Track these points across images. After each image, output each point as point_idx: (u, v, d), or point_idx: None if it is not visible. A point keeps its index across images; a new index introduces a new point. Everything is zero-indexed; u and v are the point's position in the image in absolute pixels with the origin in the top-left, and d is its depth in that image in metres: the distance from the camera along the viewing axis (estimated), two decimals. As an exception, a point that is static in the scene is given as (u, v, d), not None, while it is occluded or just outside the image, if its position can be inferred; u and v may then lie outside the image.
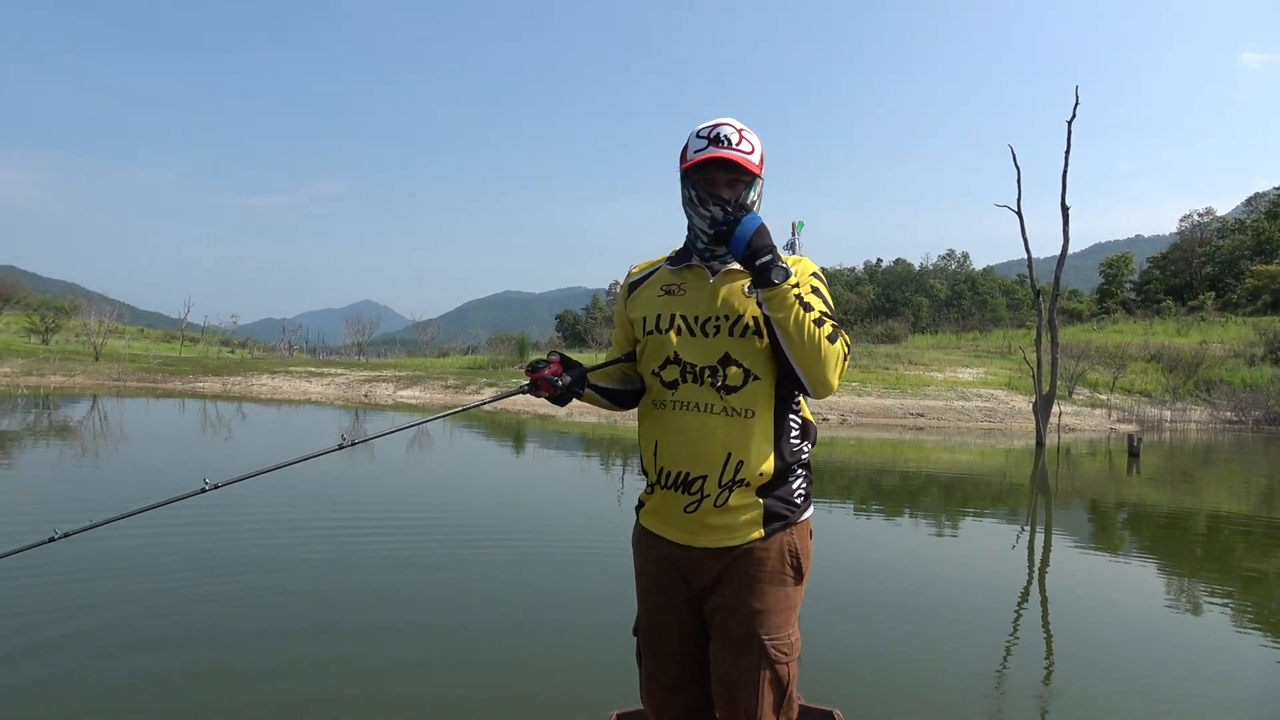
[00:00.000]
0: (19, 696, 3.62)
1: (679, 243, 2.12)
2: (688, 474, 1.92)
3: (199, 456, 12.43)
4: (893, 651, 4.61)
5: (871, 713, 3.66)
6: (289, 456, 2.21)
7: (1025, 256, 20.70)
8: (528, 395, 2.07)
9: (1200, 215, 67.39)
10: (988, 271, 79.19)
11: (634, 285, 2.15)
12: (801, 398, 2.04)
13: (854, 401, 26.12)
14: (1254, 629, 5.42)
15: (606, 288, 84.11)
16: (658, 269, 2.13)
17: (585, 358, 2.53)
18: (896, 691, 4.01)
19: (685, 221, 2.05)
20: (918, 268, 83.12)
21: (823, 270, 2.08)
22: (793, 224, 2.85)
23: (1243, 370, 33.69)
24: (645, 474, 2.07)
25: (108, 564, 5.75)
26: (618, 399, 2.17)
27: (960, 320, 59.75)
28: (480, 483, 11.14)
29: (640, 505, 2.12)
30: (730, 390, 1.92)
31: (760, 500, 1.94)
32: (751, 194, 1.97)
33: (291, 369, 33.64)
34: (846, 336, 1.90)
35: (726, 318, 1.94)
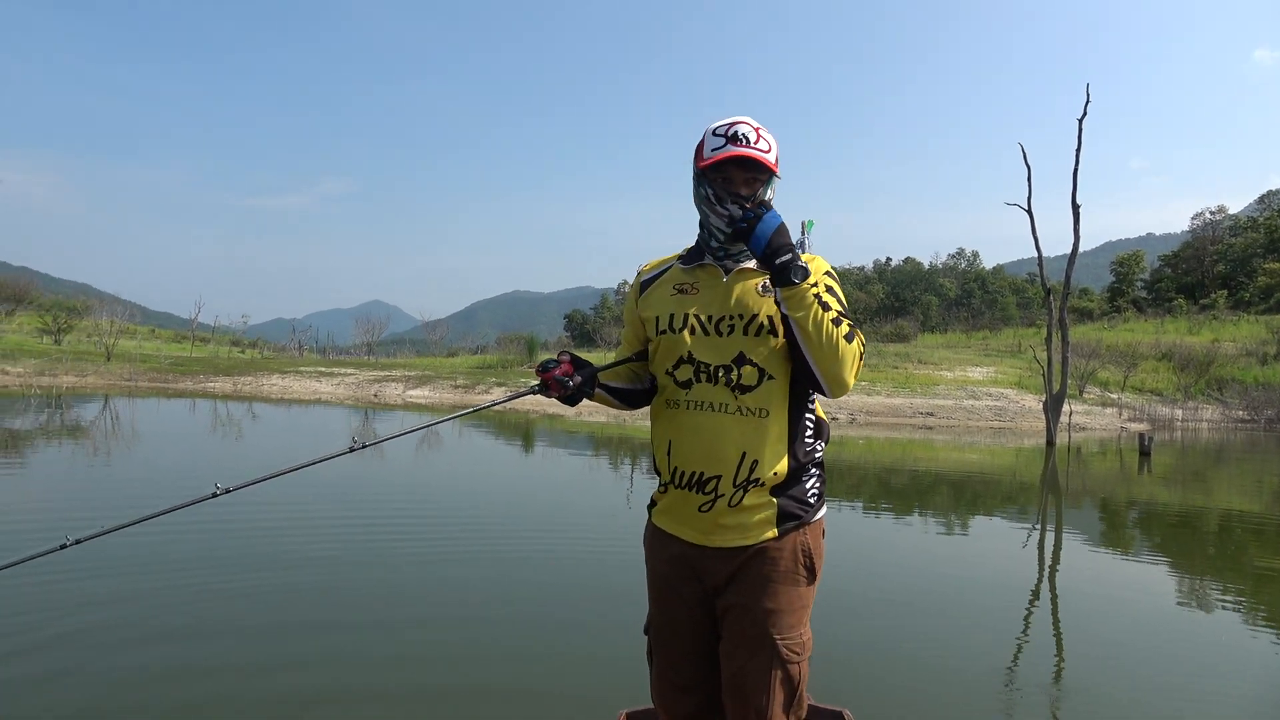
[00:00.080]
0: (29, 691, 3.65)
1: (682, 241, 2.12)
2: (702, 474, 1.92)
3: (210, 457, 12.49)
4: (902, 651, 4.60)
5: (881, 712, 3.66)
6: (300, 456, 2.22)
7: (1036, 255, 20.62)
8: (538, 395, 2.06)
9: (1212, 213, 67.03)
10: (998, 270, 78.90)
11: (645, 284, 2.14)
12: (816, 396, 2.03)
13: (863, 401, 26.07)
14: (1266, 627, 5.39)
15: (615, 287, 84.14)
16: (669, 268, 2.12)
17: (594, 357, 2.52)
18: (906, 691, 4.01)
19: (689, 220, 2.05)
20: (927, 266, 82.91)
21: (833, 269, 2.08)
22: (803, 223, 2.84)
23: (1255, 369, 33.49)
24: (657, 473, 2.07)
25: (118, 561, 5.79)
26: (628, 398, 2.16)
27: (970, 319, 59.58)
28: (489, 482, 11.16)
29: (653, 504, 2.12)
30: (744, 390, 1.91)
31: (774, 500, 1.94)
32: (768, 192, 1.97)
33: (302, 369, 33.77)
34: (861, 336, 1.90)
35: (741, 316, 1.94)
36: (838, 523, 8.36)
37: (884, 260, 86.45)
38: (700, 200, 1.99)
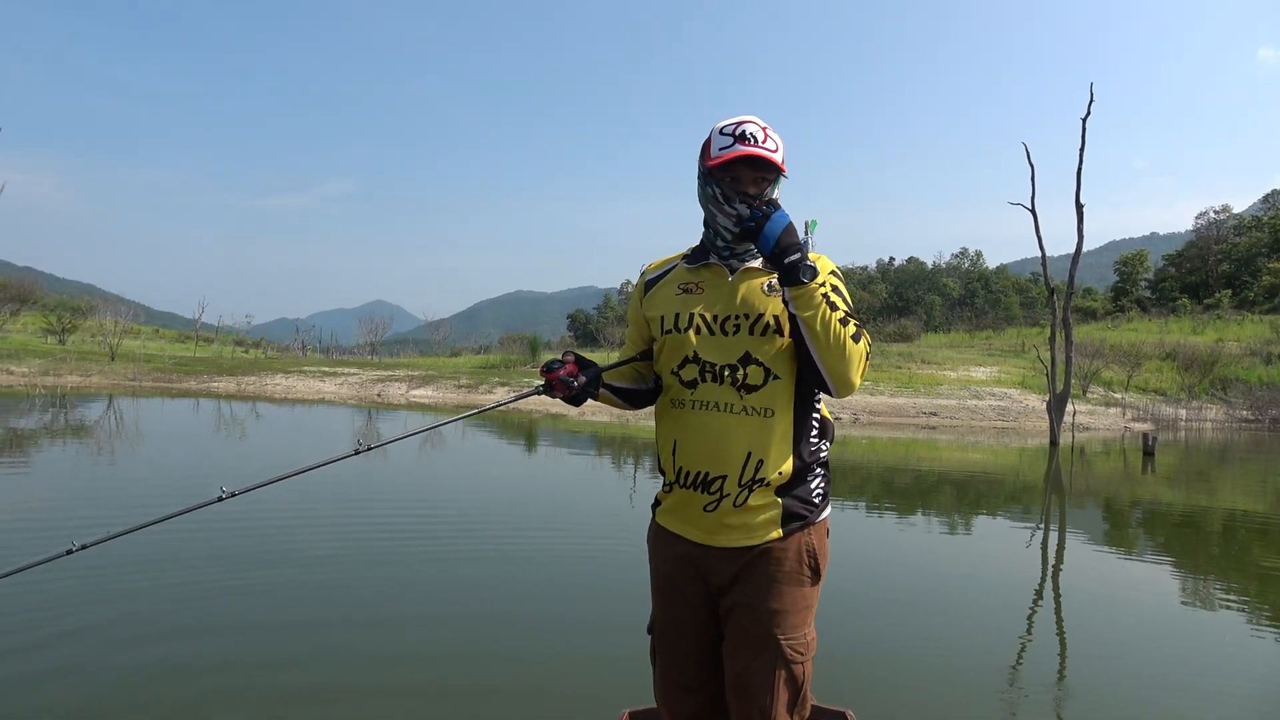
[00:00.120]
0: (33, 687, 3.67)
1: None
2: (707, 474, 1.92)
3: (215, 457, 12.52)
4: (906, 651, 4.60)
5: (885, 713, 3.66)
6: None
7: (1039, 254, 20.59)
8: (543, 396, 2.06)
9: (1216, 212, 66.88)
10: (1001, 270, 78.76)
11: (650, 284, 2.13)
12: (821, 396, 2.03)
13: (866, 400, 26.05)
14: (1271, 627, 5.39)
15: (618, 287, 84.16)
16: (674, 267, 2.12)
17: (598, 357, 2.52)
18: (910, 691, 4.01)
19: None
20: (930, 266, 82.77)
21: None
22: (806, 222, 2.84)
23: (1259, 368, 33.42)
24: (662, 473, 2.07)
25: (121, 559, 5.80)
26: (632, 398, 2.16)
27: (973, 319, 59.50)
28: (492, 481, 11.17)
29: (657, 504, 2.12)
30: (750, 389, 1.91)
31: (779, 500, 1.93)
32: (774, 191, 1.97)
33: (305, 369, 33.82)
34: (868, 336, 1.91)
35: (746, 316, 1.94)
36: (841, 523, 8.36)
37: (887, 260, 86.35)
38: (708, 199, 1.99)
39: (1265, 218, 62.51)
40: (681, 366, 1.98)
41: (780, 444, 1.92)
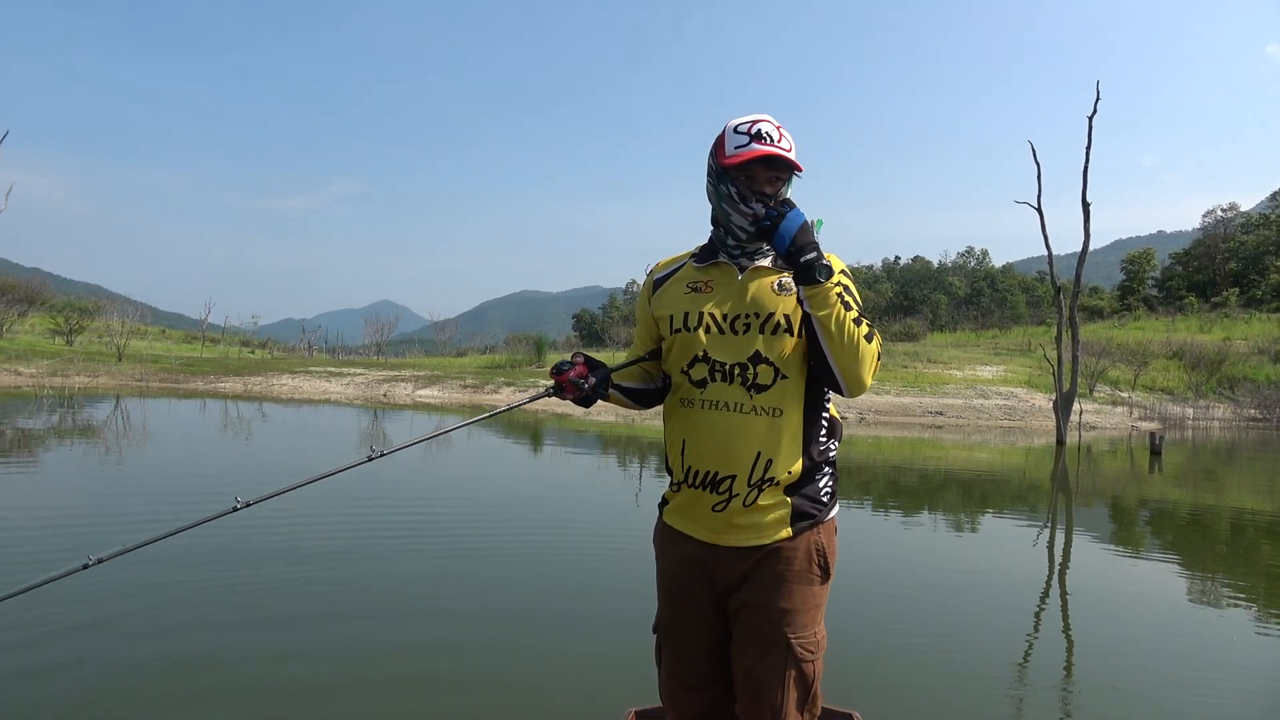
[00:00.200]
0: (39, 681, 3.70)
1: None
2: (716, 473, 1.92)
3: (225, 459, 12.55)
4: (912, 650, 4.60)
5: (891, 713, 3.67)
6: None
7: (1045, 253, 20.54)
8: (553, 397, 2.06)
9: (1224, 210, 66.61)
10: (1007, 268, 78.51)
11: (658, 283, 2.13)
12: (830, 395, 2.03)
13: (872, 400, 26.01)
14: (1278, 626, 5.37)
15: (623, 286, 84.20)
16: (682, 266, 2.11)
17: (604, 356, 2.52)
18: (916, 691, 4.01)
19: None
20: (936, 265, 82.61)
21: None
22: (811, 222, 2.84)
23: (1267, 367, 33.27)
24: (669, 472, 2.07)
25: (128, 555, 5.83)
26: (641, 398, 2.17)
27: (979, 318, 59.36)
28: (497, 480, 11.18)
29: (664, 503, 2.11)
30: (760, 389, 1.91)
31: (788, 499, 1.94)
32: (788, 191, 1.97)
33: (311, 369, 33.88)
34: (879, 336, 1.91)
35: (756, 315, 1.94)
36: (847, 522, 8.35)
37: (893, 259, 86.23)
38: (722, 198, 1.98)
39: (1273, 216, 62.22)
40: (691, 365, 1.98)
41: (790, 443, 1.92)
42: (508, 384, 29.56)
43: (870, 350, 1.87)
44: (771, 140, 1.91)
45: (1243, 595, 6.26)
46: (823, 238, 2.06)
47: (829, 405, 2.04)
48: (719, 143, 1.98)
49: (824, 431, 2.01)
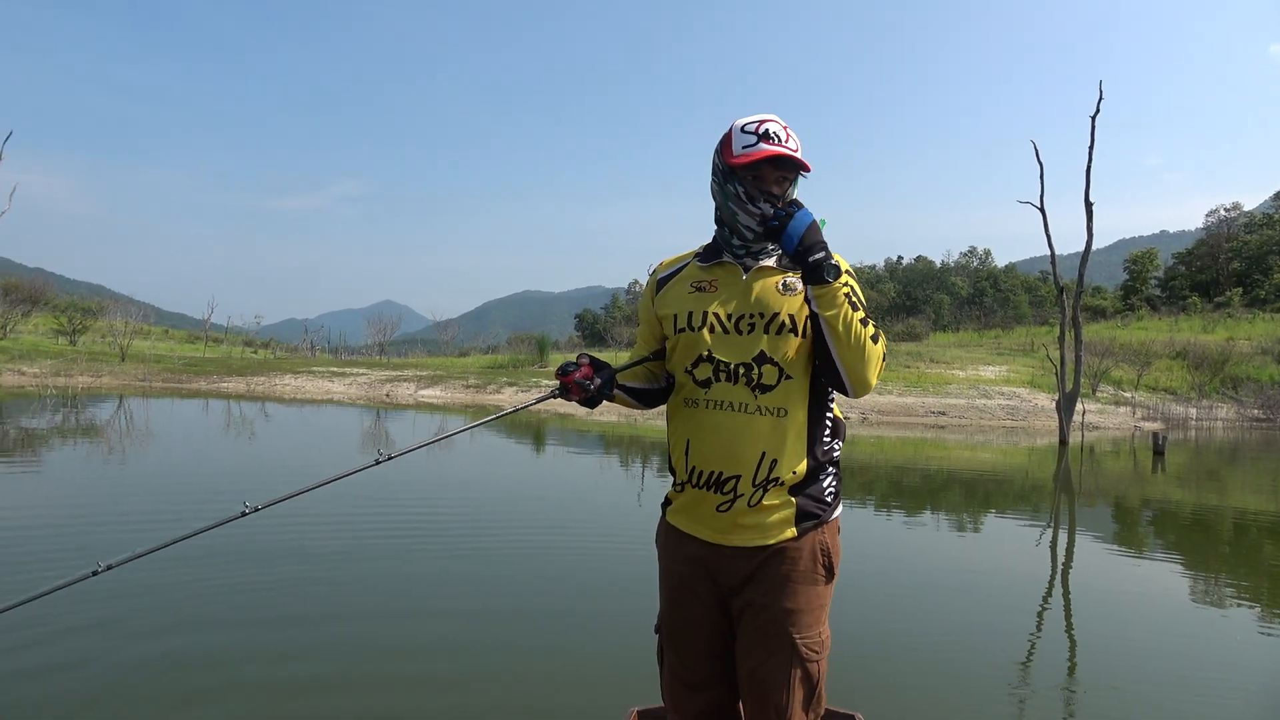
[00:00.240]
0: (40, 680, 3.71)
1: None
2: (721, 473, 1.91)
3: (228, 458, 12.57)
4: (915, 651, 4.60)
5: (894, 714, 3.67)
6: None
7: (1048, 253, 20.52)
8: (558, 398, 2.06)
9: (1227, 210, 66.52)
10: (1010, 268, 78.43)
11: (662, 282, 2.12)
12: (834, 395, 2.03)
13: (875, 400, 25.99)
14: (1283, 628, 5.37)
15: (625, 286, 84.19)
16: (686, 265, 2.11)
17: (606, 356, 2.52)
18: (919, 691, 4.01)
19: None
20: (939, 265, 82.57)
21: None
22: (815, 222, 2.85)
23: (1270, 367, 33.25)
24: (672, 472, 2.06)
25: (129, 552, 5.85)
26: (645, 398, 2.16)
27: (982, 318, 59.34)
28: (500, 480, 11.18)
29: (667, 503, 2.11)
30: (765, 389, 1.91)
31: (793, 499, 1.93)
32: (794, 191, 1.97)
33: (314, 369, 33.92)
34: (885, 337, 1.91)
35: (761, 315, 1.93)
36: (849, 522, 8.34)
37: (895, 259, 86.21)
38: (729, 198, 1.97)
39: (1277, 215, 62.14)
40: (695, 365, 1.97)
41: (795, 444, 1.92)
42: (510, 384, 29.58)
43: (876, 351, 1.87)
44: (779, 140, 1.91)
45: (1245, 596, 6.25)
46: (826, 237, 2.06)
47: (833, 405, 2.04)
48: (725, 142, 1.97)
49: (828, 432, 2.01)
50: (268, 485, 9.50)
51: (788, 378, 1.92)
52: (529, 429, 18.97)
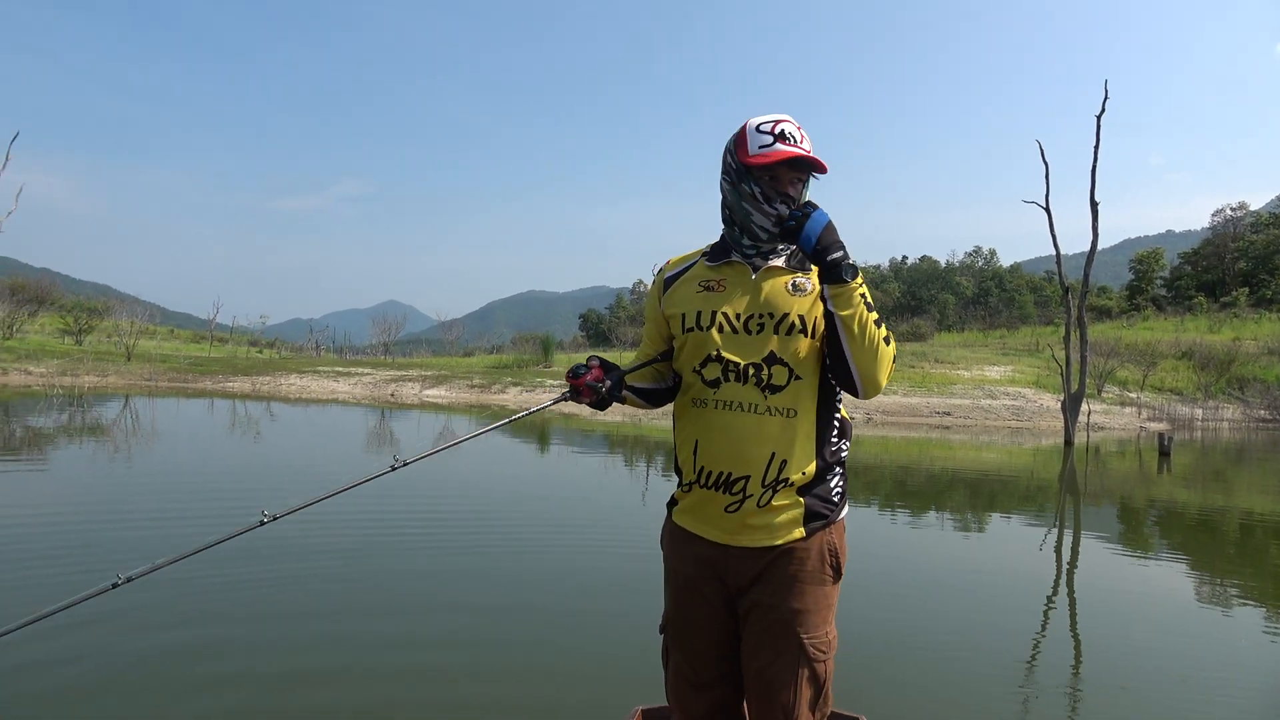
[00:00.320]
0: (38, 675, 3.73)
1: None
2: (729, 474, 1.91)
3: (233, 457, 12.60)
4: (920, 651, 4.60)
5: (899, 714, 3.67)
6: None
7: (1054, 253, 20.49)
8: (569, 401, 2.05)
9: (1233, 209, 66.27)
10: (1015, 268, 78.27)
11: (669, 281, 2.11)
12: (842, 396, 2.03)
13: (879, 400, 25.95)
14: (1289, 629, 5.36)
15: (630, 286, 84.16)
16: (694, 264, 2.10)
17: (611, 357, 2.52)
18: (924, 692, 4.01)
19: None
20: (944, 265, 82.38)
21: None
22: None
23: (1277, 368, 33.12)
24: (678, 472, 2.06)
25: (135, 550, 5.87)
26: (653, 398, 2.16)
27: (987, 318, 59.23)
28: (504, 480, 11.19)
29: (673, 503, 2.10)
30: (774, 389, 1.90)
31: (801, 500, 1.93)
32: (807, 192, 1.97)
33: (319, 369, 33.98)
34: (894, 339, 1.92)
35: (771, 315, 1.93)
36: (854, 523, 8.35)
37: (900, 258, 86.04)
38: (743, 198, 1.95)
39: (1283, 215, 61.90)
40: (704, 365, 1.96)
41: (804, 444, 1.92)
42: (515, 384, 29.61)
43: (888, 353, 1.88)
44: (795, 141, 1.91)
45: (1251, 597, 6.24)
46: None
47: (840, 406, 2.04)
48: (739, 141, 1.96)
49: (836, 432, 2.01)
50: (275, 485, 9.52)
51: (797, 378, 1.91)
52: (533, 429, 18.98)
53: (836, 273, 1.81)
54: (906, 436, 20.19)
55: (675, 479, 2.11)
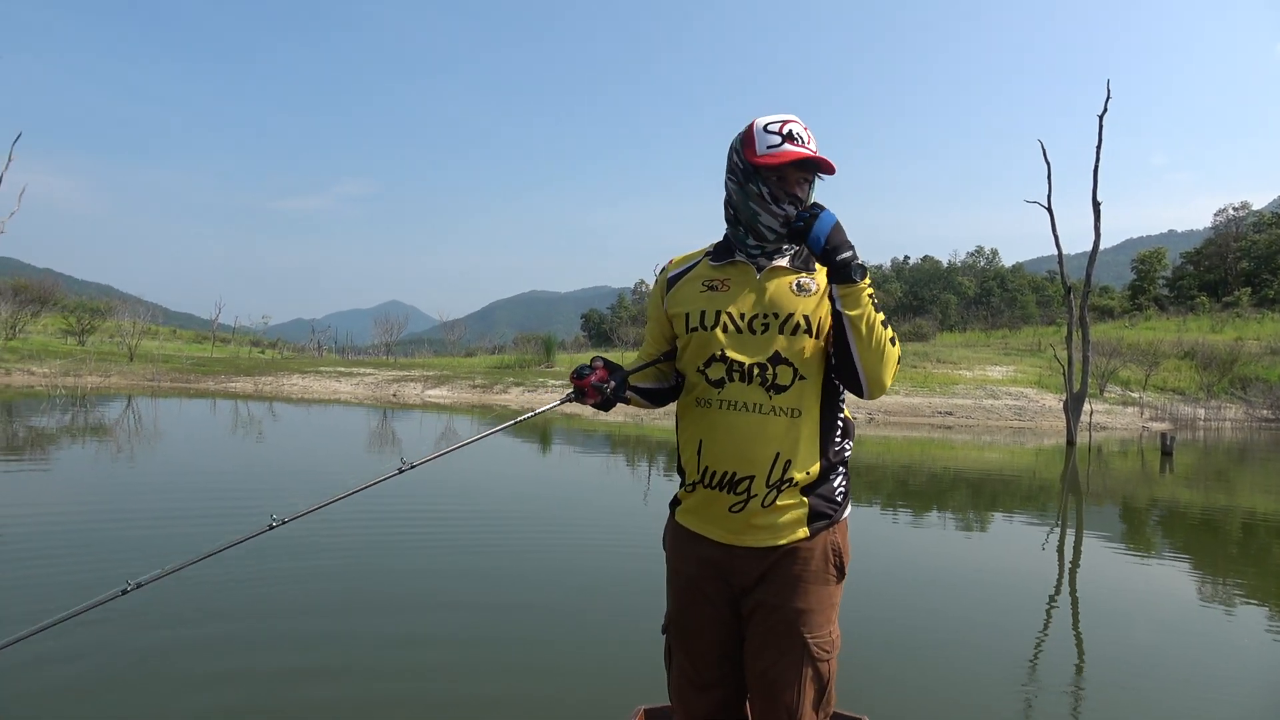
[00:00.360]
0: (41, 673, 3.74)
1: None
2: (734, 474, 1.91)
3: (241, 458, 12.61)
4: (921, 650, 4.60)
5: (901, 714, 3.67)
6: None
7: (1056, 253, 20.48)
8: (573, 402, 2.05)
9: (1235, 209, 66.16)
10: (1017, 268, 78.15)
11: (672, 280, 2.11)
12: (845, 396, 2.03)
13: (881, 400, 25.90)
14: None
15: (632, 286, 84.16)
16: (697, 263, 2.09)
17: (613, 357, 2.53)
18: (925, 693, 4.01)
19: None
20: (945, 265, 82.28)
21: None
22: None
23: (1279, 367, 33.08)
24: (680, 473, 2.06)
25: (138, 548, 5.88)
26: (656, 398, 2.16)
27: (989, 318, 59.16)
28: (505, 480, 11.19)
29: (676, 503, 2.10)
30: (779, 389, 1.91)
31: (805, 499, 1.94)
32: (812, 194, 1.98)
33: (321, 369, 34.01)
34: (899, 341, 1.93)
35: (776, 315, 1.93)
36: (855, 523, 8.34)
37: (902, 258, 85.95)
38: (750, 198, 1.95)
39: (1286, 215, 61.77)
40: (708, 365, 1.96)
41: (808, 444, 1.93)
42: (517, 384, 29.62)
43: (894, 354, 1.88)
44: (803, 142, 1.91)
45: (1254, 596, 6.24)
46: None
47: (843, 406, 2.05)
48: (746, 140, 1.95)
49: (839, 432, 2.01)
50: (279, 485, 9.53)
51: (802, 378, 1.92)
52: (535, 429, 18.99)
53: (846, 273, 1.81)
54: (908, 436, 20.19)
55: (677, 479, 2.11)
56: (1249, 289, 53.95)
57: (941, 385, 28.29)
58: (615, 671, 4.13)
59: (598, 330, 70.35)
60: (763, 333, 1.93)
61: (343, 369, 34.11)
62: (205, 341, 53.20)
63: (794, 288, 1.96)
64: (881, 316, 1.86)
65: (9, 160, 28.16)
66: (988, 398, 26.98)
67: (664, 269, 2.16)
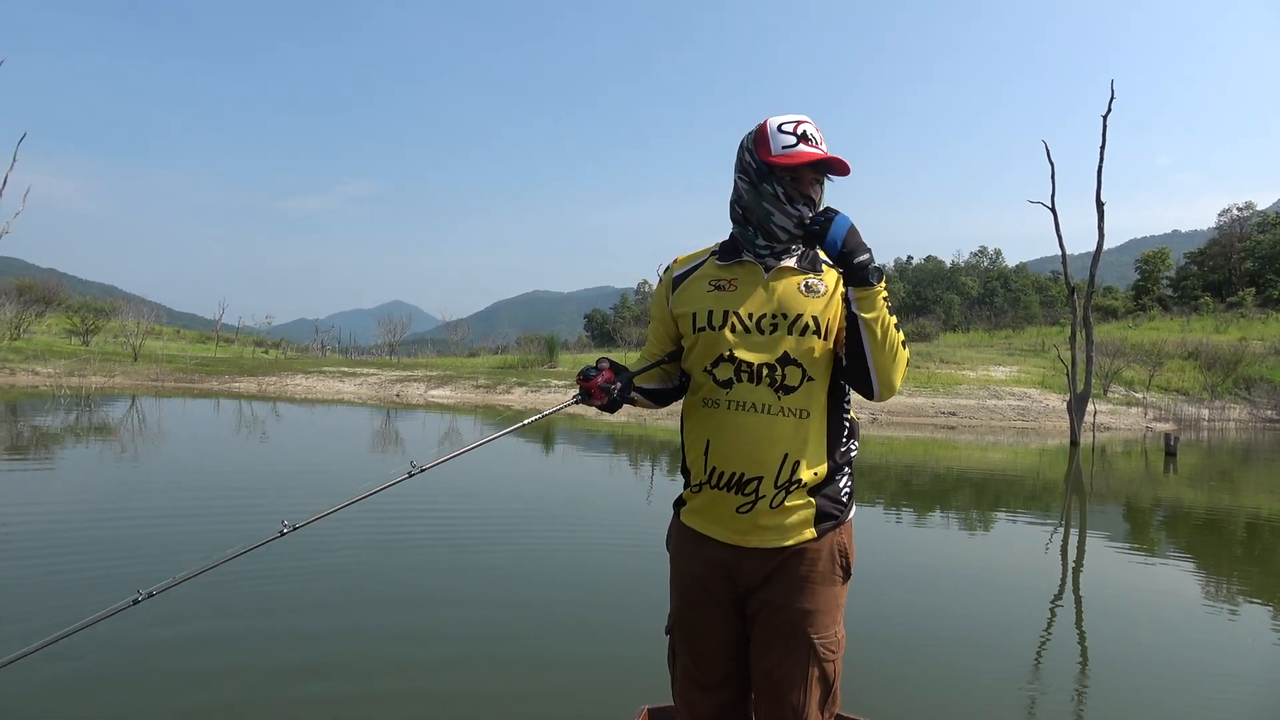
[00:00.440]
0: (40, 671, 3.74)
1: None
2: (742, 475, 1.90)
3: (248, 459, 12.63)
4: (924, 653, 4.60)
5: (903, 714, 3.67)
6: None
7: (1059, 253, 20.44)
8: (580, 404, 2.04)
9: (1239, 209, 65.98)
10: (1021, 268, 78.00)
11: (678, 280, 2.09)
12: (851, 396, 2.04)
13: (885, 400, 25.89)
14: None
15: (635, 287, 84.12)
16: (703, 263, 2.08)
17: (616, 357, 2.56)
18: (927, 694, 4.01)
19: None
20: (949, 265, 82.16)
21: None
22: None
23: (1284, 368, 33.00)
24: (686, 473, 2.05)
25: (140, 547, 5.89)
26: (660, 398, 2.15)
27: (993, 318, 59.05)
28: (509, 480, 11.19)
29: (681, 504, 2.09)
30: (788, 390, 1.90)
31: (812, 500, 1.94)
32: (823, 195, 1.98)
33: (325, 369, 34.05)
34: (908, 344, 1.93)
35: (784, 316, 1.93)
36: (859, 523, 8.34)
37: (905, 258, 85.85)
38: (764, 198, 1.94)
39: (1290, 214, 61.61)
40: (716, 365, 1.95)
41: (816, 445, 1.93)
42: (520, 384, 29.63)
43: (904, 356, 1.90)
44: (816, 143, 1.91)
45: (1258, 597, 6.23)
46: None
47: (849, 407, 2.05)
48: (761, 140, 1.94)
49: (845, 433, 2.02)
50: (283, 485, 9.54)
51: (810, 379, 1.92)
52: (538, 430, 18.99)
53: (863, 275, 1.81)
54: (912, 437, 20.17)
55: (680, 479, 2.10)
56: (1253, 289, 53.83)
57: (945, 385, 28.25)
58: (618, 671, 4.14)
59: (601, 330, 70.33)
60: (771, 333, 1.93)
61: (346, 369, 34.14)
62: (209, 341, 53.28)
63: (803, 288, 1.96)
64: (894, 319, 1.87)
65: (13, 161, 28.23)
66: (991, 398, 26.94)
67: (668, 268, 2.15)
